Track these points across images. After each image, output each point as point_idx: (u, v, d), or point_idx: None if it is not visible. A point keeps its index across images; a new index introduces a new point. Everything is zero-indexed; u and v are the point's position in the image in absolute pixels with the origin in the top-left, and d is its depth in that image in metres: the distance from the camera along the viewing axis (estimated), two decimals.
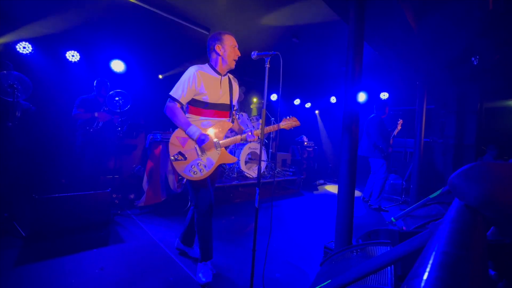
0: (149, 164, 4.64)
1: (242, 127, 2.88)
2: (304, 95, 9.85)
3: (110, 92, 4.56)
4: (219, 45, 2.54)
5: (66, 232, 3.40)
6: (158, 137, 4.74)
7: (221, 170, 2.89)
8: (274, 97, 8.84)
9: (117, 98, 4.58)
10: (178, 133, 2.50)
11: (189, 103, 2.55)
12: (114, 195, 4.53)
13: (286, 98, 9.58)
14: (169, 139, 4.66)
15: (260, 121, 2.59)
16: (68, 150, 4.63)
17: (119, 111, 4.57)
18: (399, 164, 7.21)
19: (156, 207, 4.71)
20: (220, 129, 2.62)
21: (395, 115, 6.63)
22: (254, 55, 2.25)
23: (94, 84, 4.68)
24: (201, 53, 5.98)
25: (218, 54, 2.56)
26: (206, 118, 2.57)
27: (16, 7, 4.33)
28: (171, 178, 4.77)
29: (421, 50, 4.97)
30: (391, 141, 5.58)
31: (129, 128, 5.02)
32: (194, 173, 2.46)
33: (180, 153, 2.46)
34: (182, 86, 2.45)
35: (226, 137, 2.65)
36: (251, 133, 2.61)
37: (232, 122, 2.76)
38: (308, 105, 10.01)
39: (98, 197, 3.63)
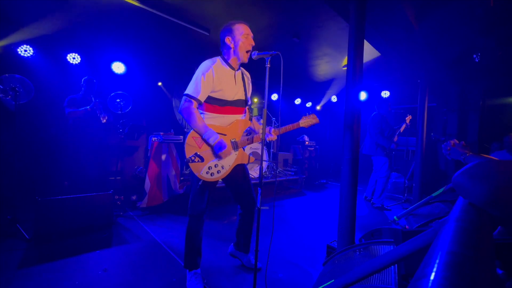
0: (151, 165, 4.63)
1: (259, 125, 2.77)
2: (304, 94, 9.83)
3: (111, 94, 4.57)
4: (229, 37, 2.39)
5: (69, 233, 3.40)
6: (160, 138, 4.73)
7: (244, 168, 2.70)
8: (274, 96, 8.82)
9: (118, 100, 4.59)
10: (194, 133, 2.37)
11: (204, 100, 2.40)
12: (116, 197, 4.53)
13: (287, 98, 9.56)
14: (170, 140, 4.77)
15: (261, 121, 2.56)
16: (71, 152, 4.63)
17: (120, 112, 4.57)
18: (401, 162, 7.18)
19: (158, 208, 4.70)
20: (239, 128, 2.53)
21: (397, 113, 6.59)
22: (254, 55, 2.20)
23: (82, 83, 4.60)
24: (201, 53, 5.99)
25: (229, 47, 2.41)
26: (223, 115, 2.45)
27: (17, 9, 4.34)
28: (173, 179, 4.79)
29: (422, 48, 4.95)
30: (395, 138, 5.56)
31: (131, 129, 5.01)
32: (211, 174, 2.38)
33: (196, 154, 2.34)
34: (198, 82, 2.30)
35: (244, 136, 2.57)
36: (270, 132, 2.58)
37: (250, 120, 2.67)
38: (309, 104, 9.97)
39: (100, 198, 3.64)
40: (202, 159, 2.35)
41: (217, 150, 2.35)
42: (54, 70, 5.28)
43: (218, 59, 2.44)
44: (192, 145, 2.35)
